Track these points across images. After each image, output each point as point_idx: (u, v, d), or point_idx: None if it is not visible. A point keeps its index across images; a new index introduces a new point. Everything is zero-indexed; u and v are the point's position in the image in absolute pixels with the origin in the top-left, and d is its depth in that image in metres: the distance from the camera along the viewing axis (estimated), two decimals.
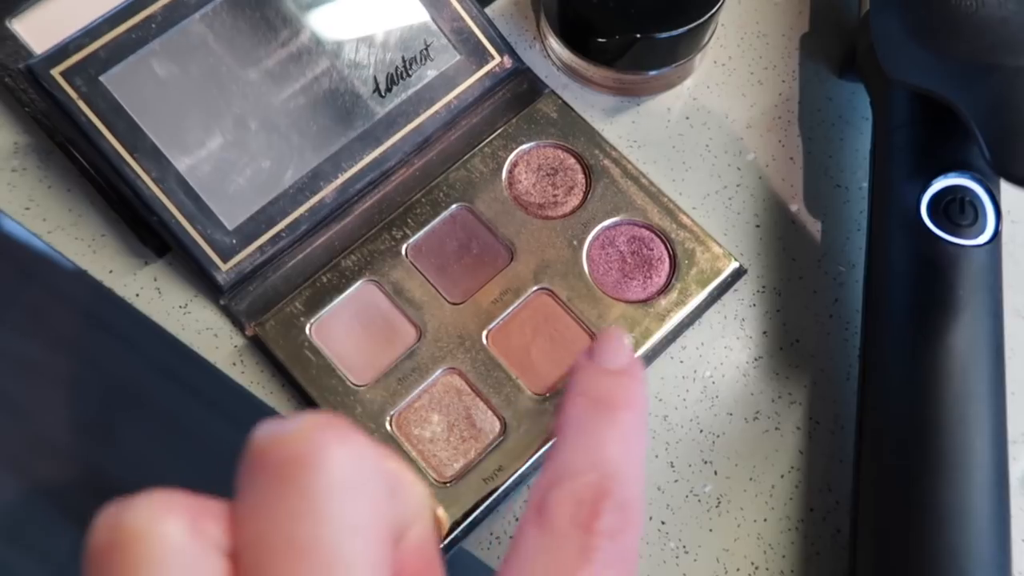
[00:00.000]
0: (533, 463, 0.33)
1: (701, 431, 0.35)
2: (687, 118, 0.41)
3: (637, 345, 0.35)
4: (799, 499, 0.35)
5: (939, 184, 0.33)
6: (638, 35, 0.37)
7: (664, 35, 0.37)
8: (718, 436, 0.35)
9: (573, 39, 0.39)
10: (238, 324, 0.36)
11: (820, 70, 0.42)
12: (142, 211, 0.34)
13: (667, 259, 0.37)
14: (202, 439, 0.40)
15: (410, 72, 0.37)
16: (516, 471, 0.33)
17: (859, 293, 0.37)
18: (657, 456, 0.35)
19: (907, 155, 0.35)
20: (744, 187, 0.40)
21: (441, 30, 0.38)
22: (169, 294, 0.36)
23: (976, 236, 0.32)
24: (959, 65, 0.32)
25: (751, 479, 0.35)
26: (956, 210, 0.33)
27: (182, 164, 0.34)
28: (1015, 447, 0.35)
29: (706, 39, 0.40)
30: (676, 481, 0.35)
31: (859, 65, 0.39)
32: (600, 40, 0.38)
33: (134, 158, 0.33)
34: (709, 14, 0.37)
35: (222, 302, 0.35)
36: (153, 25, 0.34)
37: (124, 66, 0.33)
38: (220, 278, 0.35)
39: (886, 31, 0.35)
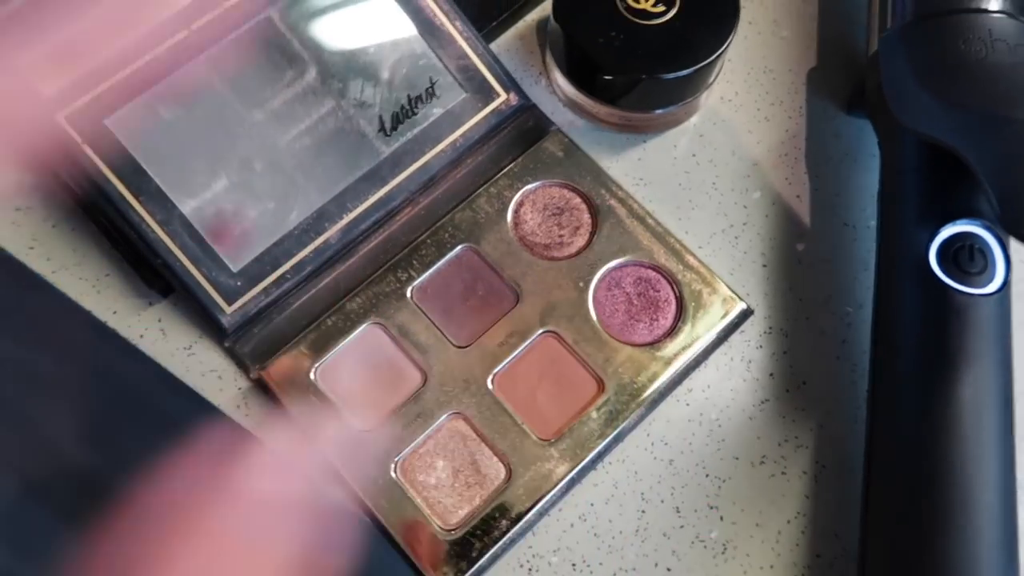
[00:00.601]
0: (539, 509, 0.33)
1: (707, 475, 0.35)
2: (693, 155, 0.41)
3: (643, 389, 0.35)
4: (806, 545, 0.34)
5: (949, 231, 0.33)
6: (644, 76, 0.37)
7: (671, 76, 0.37)
8: (724, 481, 0.35)
9: (578, 77, 0.39)
10: (243, 367, 0.36)
11: (827, 106, 0.42)
12: (146, 254, 0.34)
13: (674, 301, 0.37)
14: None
15: (416, 110, 0.37)
16: (521, 518, 0.33)
17: (867, 334, 0.37)
18: (663, 501, 0.35)
19: (916, 199, 0.34)
20: (751, 226, 0.39)
21: (447, 68, 0.38)
22: (174, 335, 0.36)
23: (986, 284, 0.32)
24: (970, 116, 0.32)
25: (757, 524, 0.35)
26: (966, 258, 0.32)
27: (187, 207, 0.34)
28: None
29: (712, 78, 0.39)
30: (682, 527, 0.34)
31: (867, 104, 0.39)
32: (606, 79, 0.37)
33: (139, 201, 0.33)
34: (716, 54, 0.37)
35: (227, 344, 0.35)
36: (158, 68, 0.34)
37: (129, 109, 0.33)
38: (225, 321, 0.35)
39: (895, 75, 0.35)
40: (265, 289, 0.35)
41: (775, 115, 0.42)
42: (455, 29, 0.38)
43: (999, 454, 0.31)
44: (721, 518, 0.35)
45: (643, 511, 0.35)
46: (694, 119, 0.41)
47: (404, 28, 0.37)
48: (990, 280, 0.32)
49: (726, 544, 0.34)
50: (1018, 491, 0.31)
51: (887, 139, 0.37)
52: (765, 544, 0.34)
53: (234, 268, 0.35)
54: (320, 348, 0.35)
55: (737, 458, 0.36)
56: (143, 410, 0.38)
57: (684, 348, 0.36)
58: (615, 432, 0.34)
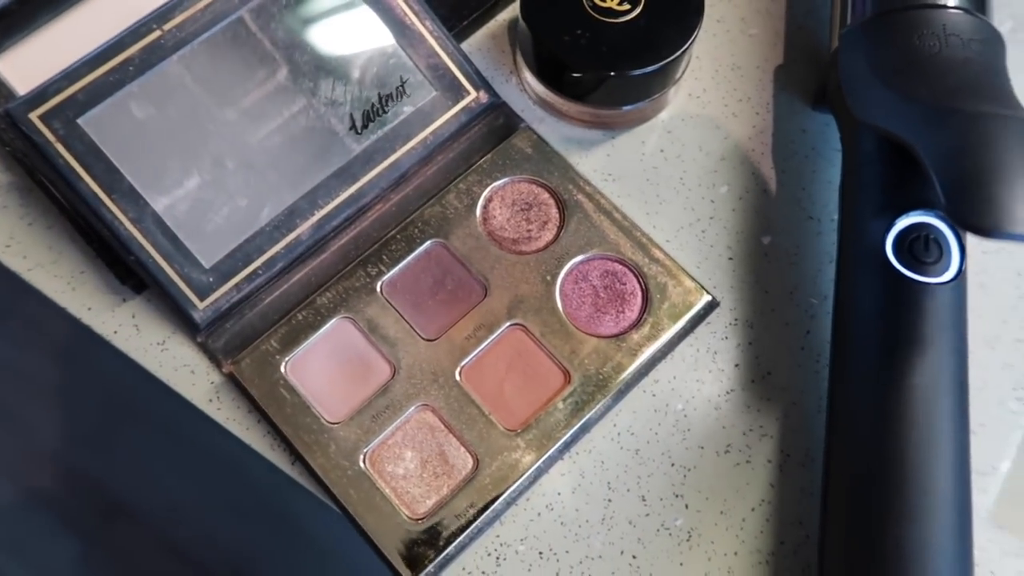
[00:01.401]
0: (506, 499, 0.34)
1: (673, 465, 0.36)
2: (661, 151, 0.41)
3: (609, 379, 0.36)
4: (770, 533, 0.35)
5: (904, 222, 0.34)
6: (611, 73, 0.37)
7: (637, 72, 0.37)
8: (689, 470, 0.36)
9: (547, 75, 0.40)
10: (215, 361, 0.36)
11: (794, 102, 0.42)
12: (120, 251, 0.34)
13: (640, 293, 0.37)
14: (178, 474, 0.40)
15: (386, 109, 0.38)
16: (488, 507, 0.34)
17: (830, 325, 0.37)
18: (629, 490, 0.35)
19: (873, 192, 0.35)
20: (717, 219, 0.40)
21: (417, 66, 0.38)
22: (147, 331, 0.37)
23: (941, 274, 0.33)
24: (920, 108, 0.33)
25: (722, 512, 0.35)
26: (921, 248, 0.33)
27: (159, 204, 0.35)
28: (985, 479, 0.36)
29: (679, 74, 0.40)
30: (647, 515, 0.35)
31: (829, 100, 0.39)
32: (573, 77, 0.38)
33: (111, 199, 0.34)
34: (681, 50, 0.38)
35: (199, 340, 0.36)
36: (131, 68, 0.34)
37: (102, 108, 0.34)
38: (197, 316, 0.35)
39: (853, 70, 0.36)
40: (237, 285, 0.36)
41: (742, 111, 0.42)
42: (425, 28, 0.38)
43: (953, 440, 0.31)
44: (686, 506, 0.35)
45: (609, 500, 0.35)
46: (663, 115, 0.42)
47: (374, 28, 0.38)
48: (945, 269, 0.33)
49: (691, 532, 0.35)
50: (972, 476, 0.32)
51: (847, 133, 0.37)
52: (729, 532, 0.35)
53: (206, 264, 0.35)
54: (290, 342, 0.36)
55: (702, 448, 0.36)
56: (123, 409, 0.39)
57: (650, 339, 0.36)
58: (581, 422, 0.35)
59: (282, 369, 0.36)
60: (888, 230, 0.34)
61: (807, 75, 0.43)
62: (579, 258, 0.37)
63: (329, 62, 0.37)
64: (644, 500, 0.35)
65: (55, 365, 0.41)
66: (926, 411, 0.31)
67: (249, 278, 0.36)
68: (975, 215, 0.29)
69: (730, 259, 0.39)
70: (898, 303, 0.33)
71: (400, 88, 0.38)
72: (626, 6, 0.38)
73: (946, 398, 0.32)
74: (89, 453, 0.40)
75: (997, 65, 0.35)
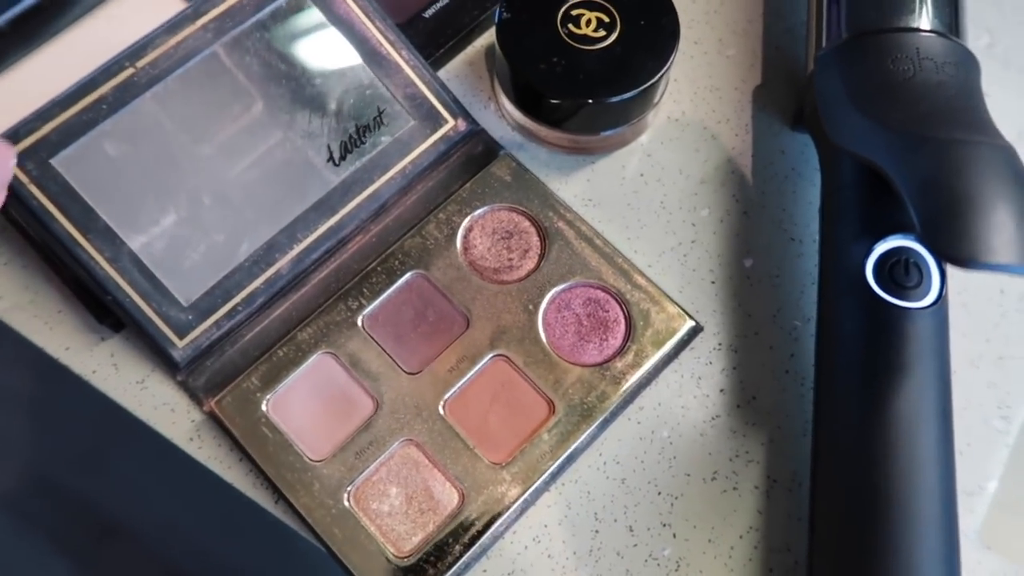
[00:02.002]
0: (493, 533, 0.34)
1: (659, 493, 0.36)
2: (641, 175, 0.41)
3: (594, 409, 0.35)
4: (758, 560, 0.35)
5: (884, 246, 0.34)
6: (589, 100, 0.37)
7: (615, 99, 0.37)
8: (676, 498, 0.36)
9: (525, 103, 0.40)
10: (196, 400, 0.36)
11: (773, 122, 0.42)
12: (97, 291, 0.34)
13: (623, 320, 0.37)
14: (170, 495, 0.40)
15: (364, 139, 0.37)
16: (475, 542, 0.33)
17: (814, 348, 0.37)
18: (616, 520, 0.35)
19: (853, 216, 0.35)
20: (699, 243, 0.40)
21: (394, 96, 0.38)
22: (126, 370, 0.37)
23: (921, 298, 0.33)
24: (894, 135, 0.32)
25: (710, 541, 0.35)
26: (901, 272, 0.33)
27: (136, 243, 0.34)
28: (972, 499, 0.36)
29: (657, 98, 0.40)
30: (635, 545, 0.35)
31: (807, 123, 0.39)
32: (551, 104, 0.38)
33: (87, 239, 0.33)
34: (657, 76, 0.37)
35: (179, 378, 0.35)
36: (104, 106, 0.34)
37: (75, 148, 0.34)
38: (176, 355, 0.35)
39: (828, 94, 0.36)
40: (216, 322, 0.35)
41: (722, 133, 0.42)
42: (401, 58, 0.38)
43: (938, 466, 0.31)
44: (674, 535, 0.35)
45: (596, 531, 0.35)
46: (642, 139, 0.42)
47: (350, 59, 0.38)
48: (926, 293, 0.33)
49: (679, 561, 0.35)
50: (959, 497, 0.32)
51: (825, 156, 0.37)
52: (718, 560, 0.35)
53: (185, 302, 0.35)
54: (271, 379, 0.36)
55: (689, 475, 0.36)
56: (111, 436, 0.39)
57: (634, 367, 0.36)
58: (567, 453, 0.35)
59: (263, 407, 0.35)
60: (868, 254, 0.34)
61: (785, 96, 0.43)
62: (561, 286, 0.37)
63: (305, 94, 0.37)
64: (631, 530, 0.35)
65: (37, 400, 0.41)
66: (909, 437, 0.31)
67: (229, 315, 0.36)
68: (951, 246, 0.29)
69: (712, 283, 0.39)
70: (879, 328, 0.33)
71: (377, 118, 0.38)
72: (602, 32, 0.38)
73: (929, 423, 0.32)
74: (80, 476, 0.40)
75: (972, 88, 0.35)
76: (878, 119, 0.33)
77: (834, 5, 0.38)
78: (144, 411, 0.36)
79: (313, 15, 0.37)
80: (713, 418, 0.37)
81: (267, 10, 0.36)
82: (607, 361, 0.36)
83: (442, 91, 0.39)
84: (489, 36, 0.44)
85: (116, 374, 0.36)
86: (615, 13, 0.39)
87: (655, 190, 0.41)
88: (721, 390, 0.37)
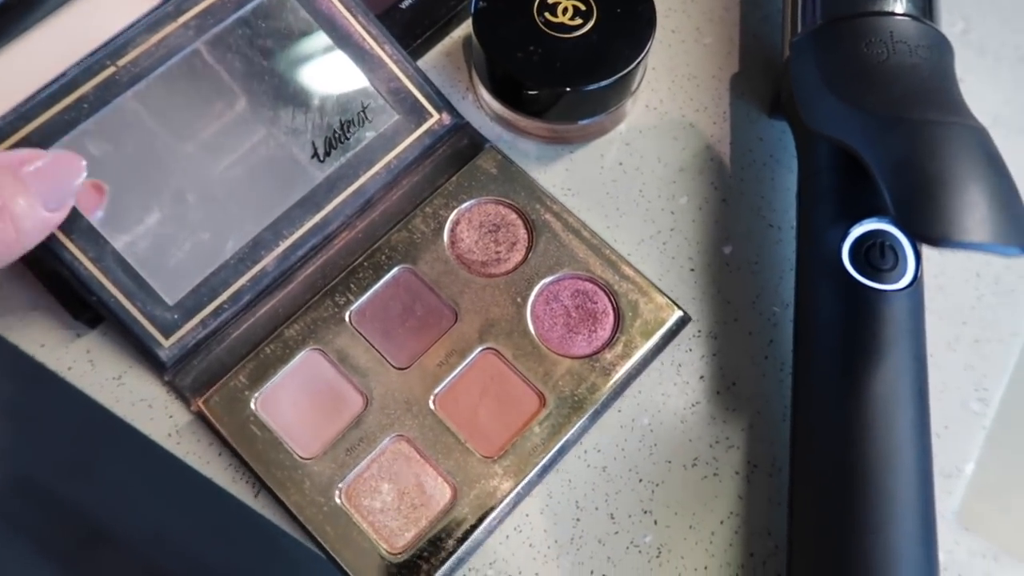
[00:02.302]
0: (486, 527, 0.34)
1: (640, 481, 0.36)
2: (620, 164, 0.42)
3: (584, 400, 0.36)
4: (739, 545, 0.36)
5: (860, 229, 0.34)
6: (566, 89, 0.37)
7: (592, 87, 0.37)
8: (657, 485, 0.36)
9: (503, 93, 0.40)
10: (183, 399, 0.36)
11: (751, 110, 0.43)
12: (81, 291, 0.34)
13: (611, 312, 0.37)
14: (141, 516, 0.39)
15: (348, 135, 0.37)
16: (468, 537, 0.34)
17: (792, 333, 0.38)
18: (597, 508, 0.36)
19: (828, 200, 0.35)
20: (678, 231, 0.40)
21: (378, 91, 0.38)
22: (103, 366, 0.36)
23: (897, 280, 0.33)
24: (868, 117, 0.33)
25: (691, 527, 0.36)
26: (877, 255, 0.33)
27: (119, 242, 0.34)
28: (950, 481, 0.37)
29: (635, 86, 0.40)
30: (616, 533, 0.35)
31: (783, 109, 0.40)
32: (529, 94, 0.38)
33: (70, 239, 0.33)
34: (634, 63, 0.37)
35: (166, 378, 0.35)
36: (85, 105, 0.33)
37: (58, 147, 0.33)
38: (163, 354, 0.35)
39: (803, 79, 0.36)
40: (203, 320, 0.35)
41: (700, 121, 0.43)
42: (384, 52, 0.38)
43: (914, 447, 0.32)
44: (655, 522, 0.36)
45: (578, 519, 0.35)
46: (620, 127, 0.42)
47: (333, 54, 0.37)
48: (901, 275, 0.33)
49: (660, 548, 0.35)
50: (937, 479, 0.33)
51: (801, 142, 0.38)
52: (699, 546, 0.35)
53: (170, 301, 0.35)
54: (259, 377, 0.36)
55: (670, 462, 0.37)
56: (96, 438, 0.38)
57: (623, 358, 0.37)
58: (558, 445, 0.35)
59: (252, 405, 0.35)
60: (844, 238, 0.34)
61: (762, 83, 0.43)
62: (549, 278, 0.38)
63: (288, 91, 0.36)
64: (613, 518, 0.36)
65: (12, 398, 0.40)
66: (886, 419, 0.32)
67: (215, 313, 0.35)
68: (924, 225, 0.29)
69: (692, 270, 0.40)
70: (855, 311, 0.33)
71: (361, 114, 0.37)
72: (578, 20, 0.38)
73: (906, 405, 0.32)
74: (61, 476, 0.39)
75: (945, 70, 0.35)
76: (852, 102, 0.34)
77: None
78: (122, 407, 0.36)
79: (295, 11, 0.37)
80: (693, 405, 0.37)
81: (248, 7, 0.36)
82: (596, 352, 0.37)
83: (426, 85, 0.39)
84: (467, 27, 0.44)
85: (93, 370, 0.36)
86: (591, 1, 0.39)
87: (634, 179, 0.41)
88: (701, 377, 0.38)
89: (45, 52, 0.37)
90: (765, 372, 0.38)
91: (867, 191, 0.34)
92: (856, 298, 0.33)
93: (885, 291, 0.33)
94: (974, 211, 0.29)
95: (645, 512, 0.36)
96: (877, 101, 0.33)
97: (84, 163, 0.31)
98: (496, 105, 0.40)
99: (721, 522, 0.36)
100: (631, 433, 0.37)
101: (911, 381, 0.32)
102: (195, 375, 0.35)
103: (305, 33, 0.37)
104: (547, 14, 0.38)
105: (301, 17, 0.37)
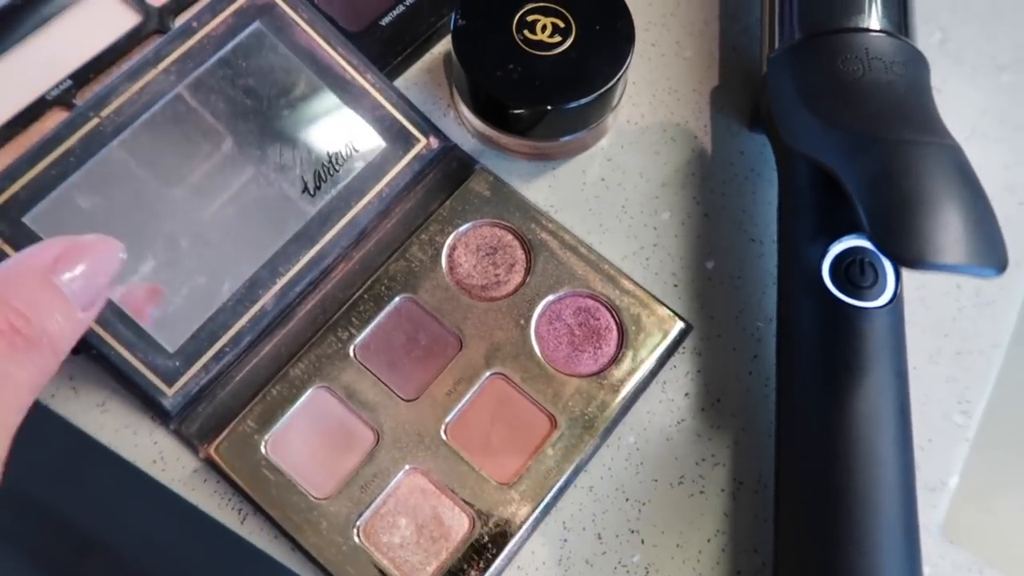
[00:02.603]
0: (507, 554, 0.34)
1: (627, 500, 0.36)
2: (603, 179, 0.41)
3: (595, 419, 0.36)
4: (726, 563, 0.35)
5: (840, 246, 0.34)
6: (547, 107, 0.37)
7: (571, 105, 0.37)
8: (644, 504, 0.36)
9: (484, 111, 0.39)
10: (191, 447, 0.35)
11: (731, 123, 0.43)
12: (78, 345, 0.33)
13: (615, 327, 0.37)
14: (153, 508, 0.38)
15: (337, 167, 0.37)
16: (490, 565, 0.33)
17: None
18: (584, 528, 0.35)
19: (808, 216, 0.35)
20: (660, 247, 0.40)
21: (363, 120, 0.38)
22: (85, 393, 0.36)
23: (877, 297, 0.33)
24: (844, 135, 0.33)
25: (678, 545, 0.35)
26: (857, 272, 0.33)
27: (115, 294, 0.33)
28: (935, 494, 0.36)
29: (616, 101, 0.40)
30: (604, 553, 0.35)
31: (762, 124, 0.40)
32: (510, 112, 0.38)
33: None
34: (613, 81, 0.37)
35: (172, 427, 0.35)
36: (72, 158, 0.33)
37: (47, 203, 0.32)
38: (167, 403, 0.34)
39: (781, 96, 0.36)
40: (205, 366, 0.35)
41: (681, 135, 0.43)
42: (367, 82, 0.38)
43: (897, 461, 0.31)
44: (642, 541, 0.35)
45: (565, 540, 0.35)
46: (602, 143, 0.42)
47: (316, 88, 0.37)
48: (881, 292, 0.33)
49: (648, 567, 0.35)
50: (921, 493, 0.32)
51: (781, 157, 0.37)
52: (686, 564, 0.35)
53: (171, 348, 0.34)
54: (267, 419, 0.35)
55: (656, 480, 0.36)
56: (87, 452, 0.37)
57: (630, 373, 0.37)
58: (572, 466, 0.35)
59: (263, 449, 0.35)
60: (824, 255, 0.34)
61: (742, 96, 0.43)
62: (550, 298, 0.37)
63: (274, 127, 0.36)
64: (600, 538, 0.35)
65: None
66: (869, 435, 0.31)
67: (216, 357, 0.35)
68: (899, 246, 0.29)
69: (675, 286, 0.39)
70: (836, 328, 0.33)
71: (349, 144, 0.37)
72: (557, 38, 0.38)
73: (888, 420, 0.32)
74: (57, 491, 0.38)
75: (921, 87, 0.35)
76: (828, 119, 0.33)
77: (786, 6, 0.38)
78: (105, 435, 0.35)
79: (275, 48, 0.36)
80: (679, 422, 0.37)
81: (228, 47, 0.36)
82: (603, 369, 0.37)
83: (411, 110, 0.38)
84: (447, 42, 0.44)
85: (75, 397, 0.36)
86: (570, 18, 0.39)
87: (616, 194, 0.41)
88: (686, 394, 0.38)
89: (18, 76, 0.37)
90: (749, 388, 0.38)
91: (846, 208, 0.34)
92: (837, 315, 0.33)
93: (865, 309, 0.33)
94: (949, 232, 0.29)
95: (632, 532, 0.36)
96: (852, 119, 0.33)
97: (122, 252, 0.28)
98: (477, 123, 0.40)
99: (708, 540, 0.36)
100: (617, 452, 0.37)
101: (893, 397, 0.32)
102: (201, 422, 0.35)
103: (286, 69, 0.37)
104: (526, 32, 0.38)
105: (281, 53, 0.37)
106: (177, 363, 0.34)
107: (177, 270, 0.34)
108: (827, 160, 0.33)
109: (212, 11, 0.35)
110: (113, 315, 0.33)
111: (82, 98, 0.40)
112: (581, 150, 0.42)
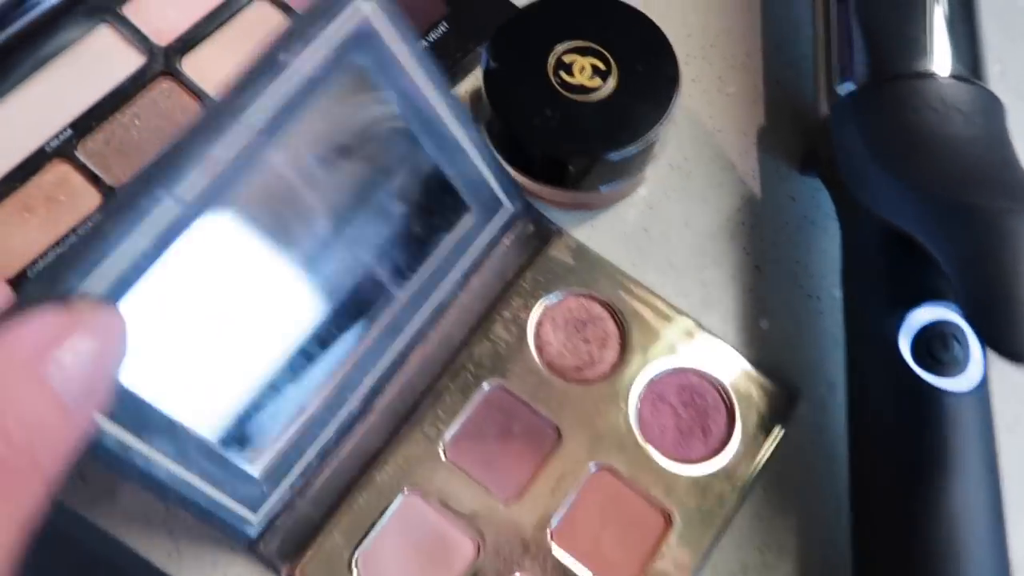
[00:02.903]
0: None
1: None
2: (645, 230, 0.38)
3: (714, 511, 0.33)
4: None
5: (919, 315, 0.30)
6: (587, 158, 0.34)
7: (619, 154, 0.34)
8: None
9: (518, 160, 0.35)
10: (272, 568, 0.30)
11: (780, 166, 0.40)
12: (157, 496, 0.27)
13: (723, 406, 0.35)
14: None
15: (427, 241, 0.32)
16: None
17: (842, 419, 0.34)
18: None
19: (881, 279, 0.32)
20: (712, 305, 0.37)
21: (455, 184, 0.32)
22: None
23: (962, 373, 0.30)
24: (929, 199, 0.29)
25: None
26: (939, 347, 0.30)
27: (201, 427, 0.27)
28: None
29: (658, 147, 0.37)
30: None
31: (821, 172, 0.37)
32: (550, 162, 0.34)
33: (141, 440, 0.26)
34: (659, 124, 0.34)
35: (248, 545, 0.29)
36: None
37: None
38: (252, 531, 0.29)
39: (848, 149, 0.33)
40: (291, 483, 0.29)
41: (727, 180, 0.40)
42: (467, 139, 0.32)
43: (992, 567, 0.29)
44: None
45: None
46: (642, 191, 0.39)
47: (415, 146, 0.31)
48: (965, 368, 0.30)
49: None
50: None
51: (844, 211, 0.35)
52: None
53: (256, 474, 0.29)
54: (356, 532, 0.31)
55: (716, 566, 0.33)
56: None
57: (747, 457, 0.34)
58: (693, 567, 0.33)
59: (353, 566, 0.30)
60: (900, 324, 0.30)
61: (791, 136, 0.41)
62: (651, 376, 0.35)
63: (370, 198, 0.30)
64: None
65: None
66: (961, 539, 0.29)
67: (303, 473, 0.30)
68: (1006, 339, 0.26)
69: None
70: (921, 413, 0.30)
71: (440, 214, 0.32)
72: (597, 81, 0.35)
73: (982, 524, 0.29)
74: None
75: (1003, 139, 0.32)
76: (907, 180, 0.30)
77: (846, 43, 0.35)
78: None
79: (377, 91, 0.29)
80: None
81: (324, 90, 0.27)
82: (715, 454, 0.34)
83: (501, 172, 0.34)
84: (474, 79, 0.39)
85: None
86: (610, 59, 0.35)
87: (660, 246, 0.38)
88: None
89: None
90: (815, 466, 0.35)
91: (926, 269, 0.31)
92: (920, 398, 0.30)
93: (956, 393, 0.29)
94: None
95: None
96: (934, 179, 0.29)
97: (125, 330, 0.21)
98: (510, 171, 0.36)
99: None
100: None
101: (986, 493, 0.29)
102: (283, 538, 0.30)
103: (385, 120, 0.30)
104: (563, 74, 0.34)
105: (381, 99, 0.29)
106: (263, 488, 0.29)
107: (264, 387, 0.28)
108: (909, 227, 0.30)
109: (304, 39, 0.26)
110: (198, 454, 0.27)
111: (84, 149, 0.34)
112: (621, 198, 0.39)
